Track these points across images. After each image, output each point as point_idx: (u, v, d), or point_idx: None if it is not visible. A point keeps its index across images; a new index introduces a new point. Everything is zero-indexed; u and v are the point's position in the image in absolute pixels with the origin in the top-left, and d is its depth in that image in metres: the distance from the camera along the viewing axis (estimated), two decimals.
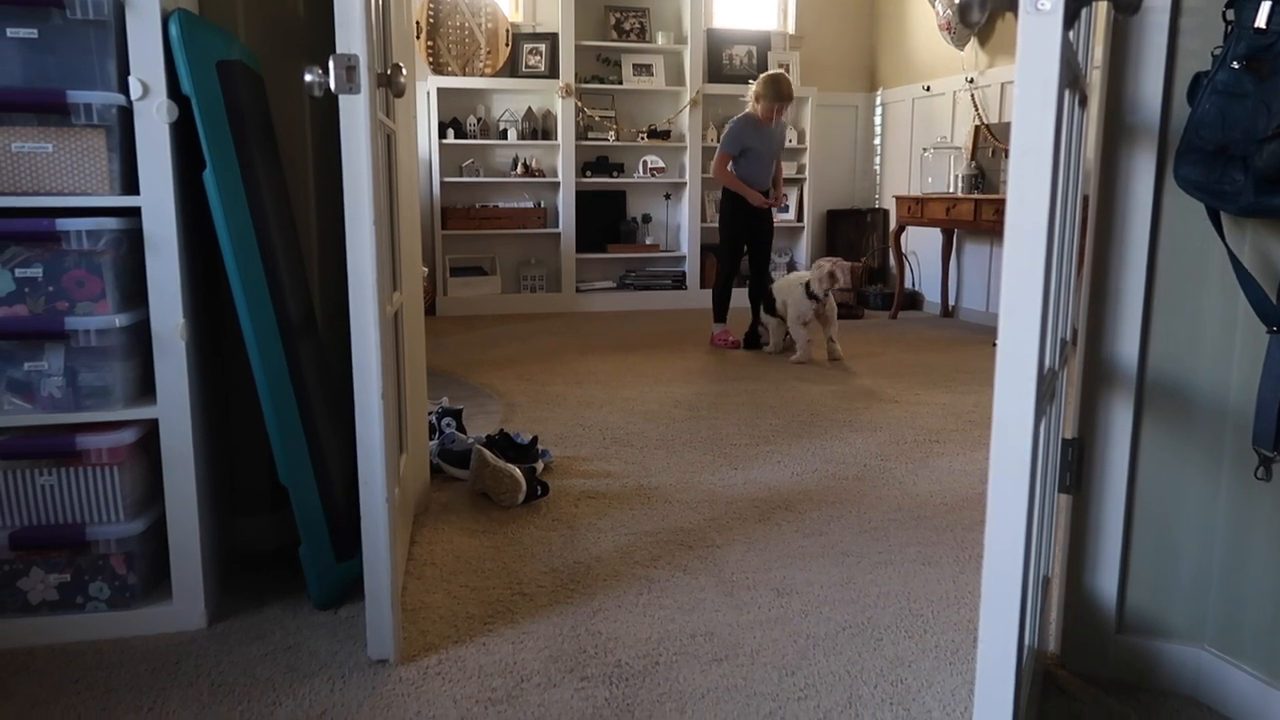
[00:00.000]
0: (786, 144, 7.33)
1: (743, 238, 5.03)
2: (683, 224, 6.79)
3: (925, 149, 6.31)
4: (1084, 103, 1.51)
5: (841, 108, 7.21)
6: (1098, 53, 1.66)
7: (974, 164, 5.93)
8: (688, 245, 6.77)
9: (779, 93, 4.83)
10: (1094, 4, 1.36)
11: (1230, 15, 1.46)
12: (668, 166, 6.73)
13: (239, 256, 1.85)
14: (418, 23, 6.05)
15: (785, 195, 5.19)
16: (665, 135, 6.64)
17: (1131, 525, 1.69)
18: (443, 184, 6.23)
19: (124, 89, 1.74)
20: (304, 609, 1.98)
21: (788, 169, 6.98)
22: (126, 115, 1.75)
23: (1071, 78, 1.26)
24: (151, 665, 1.76)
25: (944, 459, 3.09)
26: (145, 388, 1.87)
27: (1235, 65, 1.42)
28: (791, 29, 7.00)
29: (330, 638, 1.86)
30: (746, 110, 4.99)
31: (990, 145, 5.86)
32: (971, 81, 6.00)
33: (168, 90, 1.75)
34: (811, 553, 2.31)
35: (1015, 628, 1.02)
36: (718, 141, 7.24)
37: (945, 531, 2.44)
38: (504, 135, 6.39)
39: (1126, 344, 1.64)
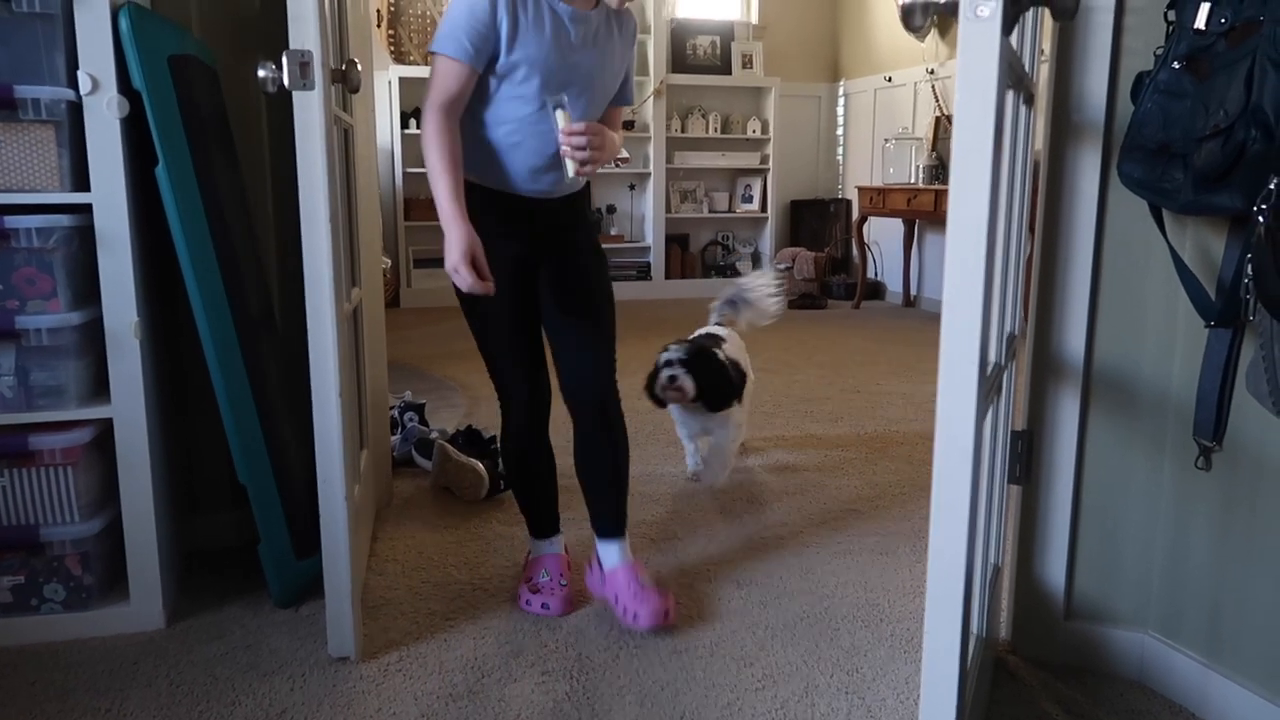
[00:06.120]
0: (749, 133, 7.37)
1: (515, 300, 1.86)
2: (648, 214, 6.80)
3: (887, 139, 6.36)
4: (1030, 102, 1.54)
5: (804, 98, 7.24)
6: (1047, 50, 1.69)
7: (935, 154, 5.99)
8: (653, 236, 6.78)
9: None
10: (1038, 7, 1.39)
11: (1171, 16, 1.49)
12: (632, 157, 6.72)
13: (193, 253, 1.84)
14: (378, 11, 5.99)
15: (580, 141, 1.69)
16: (629, 126, 6.63)
17: (1079, 515, 1.74)
18: (405, 175, 6.18)
19: (73, 84, 1.72)
20: (265, 607, 1.98)
21: (748, 158, 7.00)
22: (76, 110, 1.73)
23: (1015, 79, 1.28)
24: (109, 666, 1.75)
25: (903, 448, 3.14)
26: (99, 386, 1.85)
27: (1176, 65, 1.46)
28: (755, 19, 7.02)
29: (291, 636, 1.86)
30: None
31: (951, 136, 5.92)
32: (932, 73, 6.06)
33: (118, 85, 1.73)
34: (771, 544, 2.33)
35: (959, 618, 1.05)
36: (681, 131, 7.28)
37: (903, 521, 2.48)
38: None
39: (1073, 338, 1.68)
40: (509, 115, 1.74)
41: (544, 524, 2.08)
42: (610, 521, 1.98)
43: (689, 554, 2.27)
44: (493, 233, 1.75)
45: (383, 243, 4.36)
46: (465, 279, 1.67)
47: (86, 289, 1.81)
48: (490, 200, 1.79)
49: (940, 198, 5.59)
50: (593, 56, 1.77)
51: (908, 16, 1.00)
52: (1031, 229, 1.71)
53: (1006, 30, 0.97)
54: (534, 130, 1.74)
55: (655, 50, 6.54)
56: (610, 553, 1.97)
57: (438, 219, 1.70)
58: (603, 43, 1.79)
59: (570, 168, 1.72)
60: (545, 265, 1.88)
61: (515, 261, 1.83)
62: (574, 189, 1.89)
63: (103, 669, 1.74)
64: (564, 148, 1.70)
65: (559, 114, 1.70)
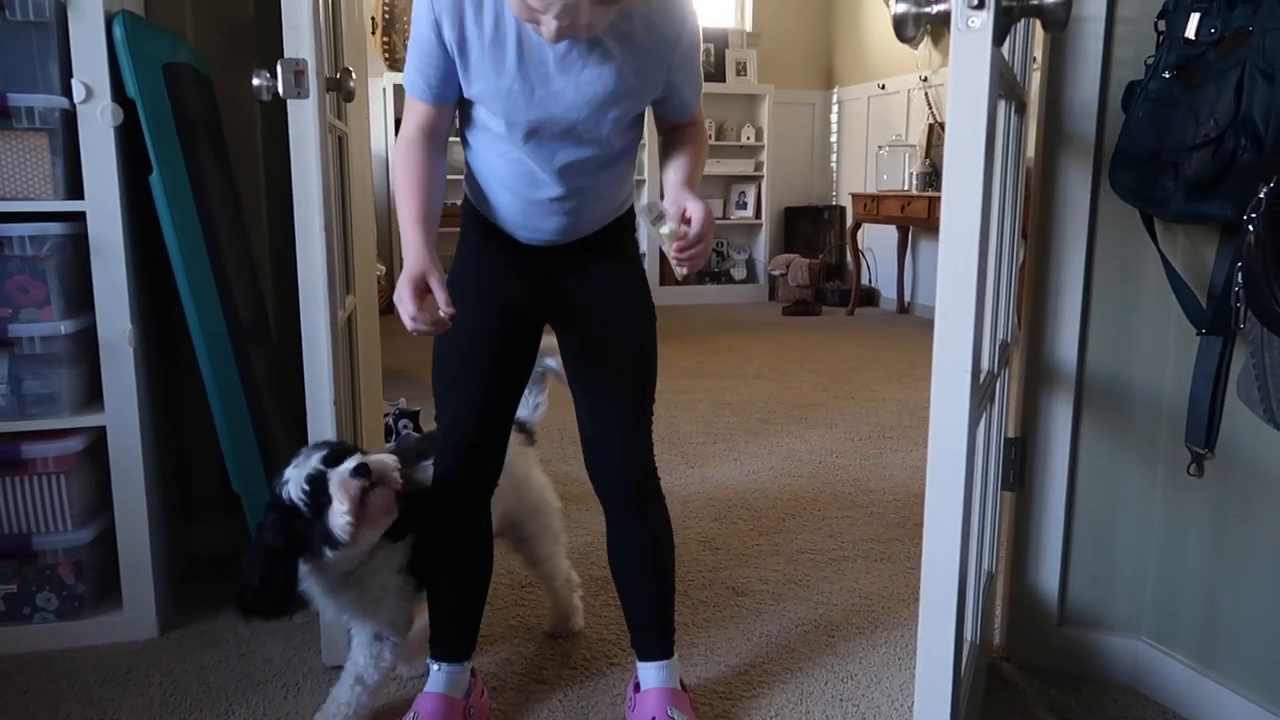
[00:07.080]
0: (743, 140, 7.40)
1: (492, 346, 1.52)
2: (641, 223, 6.81)
3: (881, 147, 6.38)
4: (1022, 110, 1.54)
5: (798, 105, 7.26)
6: (1039, 58, 1.70)
7: (928, 162, 6.01)
8: (647, 242, 6.78)
9: None
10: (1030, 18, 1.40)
11: (1162, 26, 1.50)
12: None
13: (187, 261, 1.84)
14: (373, 19, 5.99)
15: (696, 252, 1.33)
16: None
17: (1072, 521, 1.74)
18: None
19: (67, 92, 1.71)
20: None
21: (741, 165, 7.02)
22: (70, 118, 1.73)
23: (1006, 88, 1.29)
24: (101, 675, 1.74)
25: (898, 454, 3.14)
26: (93, 395, 1.85)
27: (1166, 74, 1.47)
28: (749, 27, 7.04)
29: (284, 644, 1.86)
30: None
31: (944, 143, 5.94)
32: (925, 80, 6.08)
33: (112, 93, 1.73)
34: (766, 551, 2.34)
35: (953, 625, 1.05)
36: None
37: (898, 527, 2.49)
38: None
39: (1066, 345, 1.69)
40: (486, 150, 1.41)
41: (449, 641, 1.57)
42: (651, 639, 1.59)
43: (683, 560, 2.27)
44: (495, 259, 1.46)
45: (377, 250, 4.36)
46: (407, 309, 1.32)
47: (80, 297, 1.81)
48: (492, 230, 1.48)
49: (934, 205, 5.60)
50: (588, 77, 1.30)
51: (900, 26, 1.01)
52: (1024, 236, 1.72)
53: (998, 41, 0.98)
54: (518, 173, 1.38)
55: None
56: (648, 673, 1.58)
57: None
58: (609, 56, 1.29)
59: (679, 272, 1.36)
60: (559, 315, 1.52)
61: (508, 303, 1.48)
62: (593, 229, 1.49)
63: (95, 678, 1.73)
64: (672, 260, 1.34)
65: (660, 229, 1.34)
